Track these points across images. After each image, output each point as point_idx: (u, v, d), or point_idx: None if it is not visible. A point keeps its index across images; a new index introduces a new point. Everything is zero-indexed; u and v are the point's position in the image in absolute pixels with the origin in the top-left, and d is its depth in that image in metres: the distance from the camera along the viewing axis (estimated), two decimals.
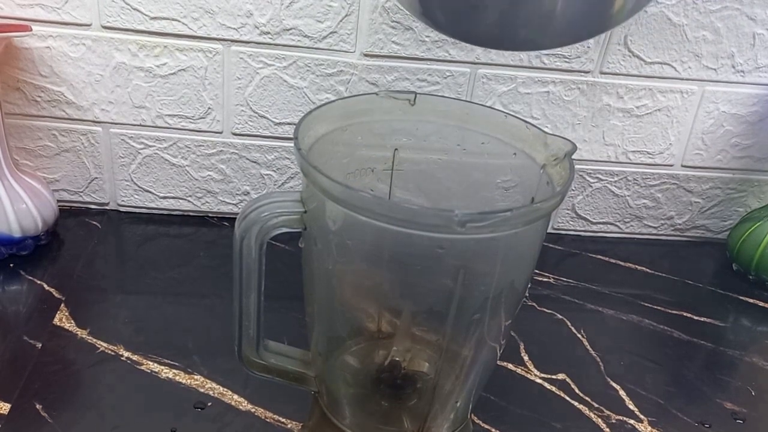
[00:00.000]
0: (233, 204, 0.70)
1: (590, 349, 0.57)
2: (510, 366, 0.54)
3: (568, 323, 0.60)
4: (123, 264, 0.62)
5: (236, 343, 0.38)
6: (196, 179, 0.68)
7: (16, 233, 0.58)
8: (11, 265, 0.59)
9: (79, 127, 0.64)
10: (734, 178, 0.73)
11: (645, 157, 0.71)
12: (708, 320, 0.63)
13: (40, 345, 0.50)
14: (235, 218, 0.35)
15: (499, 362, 0.53)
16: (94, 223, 0.67)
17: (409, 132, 0.43)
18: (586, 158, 0.70)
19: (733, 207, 0.75)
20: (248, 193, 0.69)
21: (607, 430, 0.49)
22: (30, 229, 0.58)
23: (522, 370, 0.54)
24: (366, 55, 0.63)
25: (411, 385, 0.40)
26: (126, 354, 0.50)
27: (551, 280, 0.66)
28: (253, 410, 0.47)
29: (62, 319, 0.53)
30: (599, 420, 0.50)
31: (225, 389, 0.48)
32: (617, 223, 0.75)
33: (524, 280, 0.37)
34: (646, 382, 0.54)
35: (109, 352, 0.51)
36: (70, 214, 0.67)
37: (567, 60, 0.65)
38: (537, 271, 0.67)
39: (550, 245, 0.72)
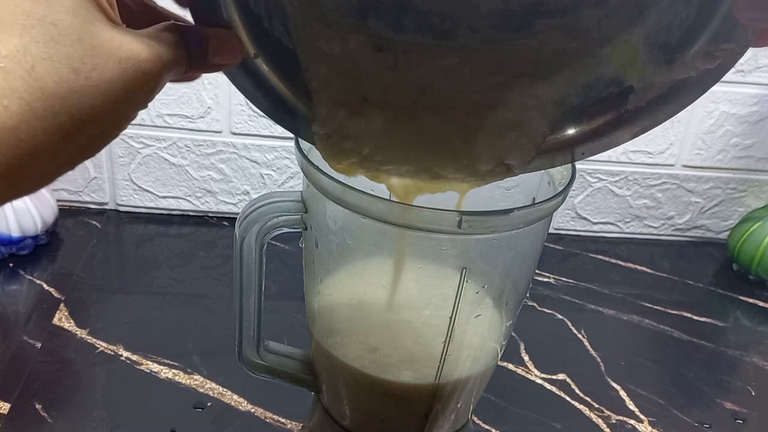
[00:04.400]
0: (233, 204, 0.70)
1: (590, 349, 0.57)
2: (510, 366, 0.54)
3: (569, 323, 0.60)
4: (122, 264, 0.62)
5: (236, 343, 0.38)
6: (196, 179, 0.68)
7: (16, 233, 0.58)
8: (11, 264, 0.59)
9: None
10: (734, 178, 0.73)
11: (645, 157, 0.71)
12: (708, 320, 0.63)
13: (40, 345, 0.50)
14: (234, 218, 0.35)
15: (499, 362, 0.53)
16: (94, 222, 0.67)
17: None
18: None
19: (733, 207, 0.75)
20: (248, 192, 0.69)
21: (608, 430, 0.49)
22: (29, 228, 0.58)
23: (522, 370, 0.54)
24: None
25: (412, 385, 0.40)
26: (125, 354, 0.50)
27: (551, 280, 0.66)
28: (253, 410, 0.47)
29: (62, 319, 0.53)
30: (599, 420, 0.50)
31: (225, 389, 0.48)
32: (618, 223, 0.75)
33: (525, 281, 0.37)
34: (646, 382, 0.54)
35: (109, 352, 0.50)
36: (69, 214, 0.67)
37: None
38: (537, 271, 0.67)
39: (551, 245, 0.72)
